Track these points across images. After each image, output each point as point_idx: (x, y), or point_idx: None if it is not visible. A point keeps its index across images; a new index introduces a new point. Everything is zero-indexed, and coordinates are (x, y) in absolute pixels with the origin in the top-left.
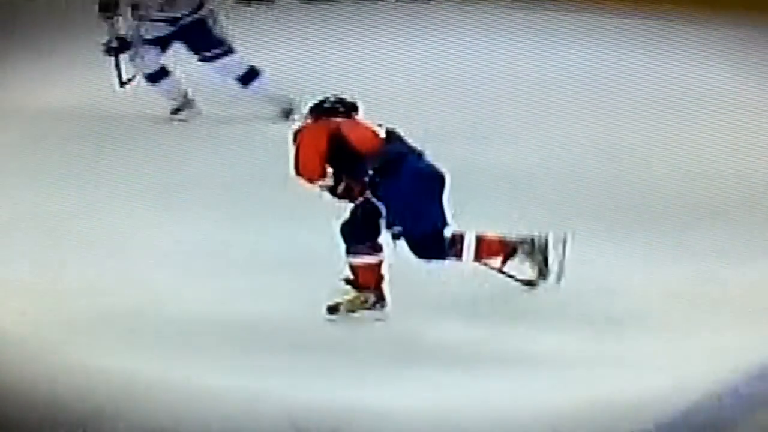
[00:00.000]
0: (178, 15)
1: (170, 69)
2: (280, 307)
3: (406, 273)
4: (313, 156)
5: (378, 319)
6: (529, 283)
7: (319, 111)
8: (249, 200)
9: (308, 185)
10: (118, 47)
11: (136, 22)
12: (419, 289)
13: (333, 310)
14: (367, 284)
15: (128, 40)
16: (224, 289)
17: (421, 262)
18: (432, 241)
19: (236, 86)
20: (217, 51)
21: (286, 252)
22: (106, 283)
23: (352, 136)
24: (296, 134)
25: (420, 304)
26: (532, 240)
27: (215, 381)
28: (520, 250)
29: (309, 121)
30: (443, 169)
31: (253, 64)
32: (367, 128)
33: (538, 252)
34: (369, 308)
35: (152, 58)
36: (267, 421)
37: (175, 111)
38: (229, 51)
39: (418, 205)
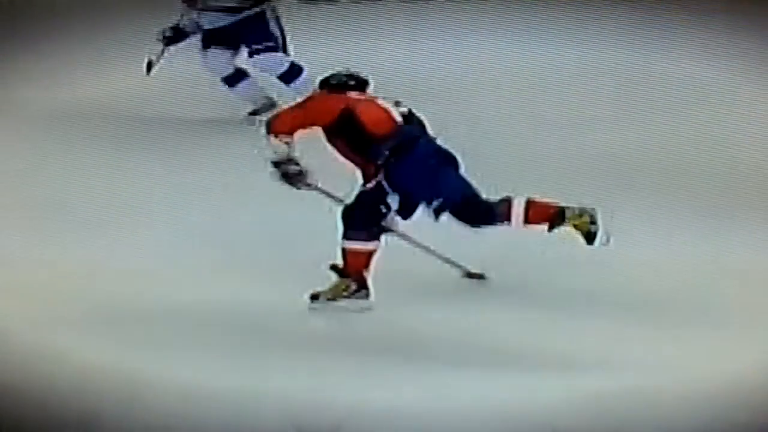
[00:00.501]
0: (239, 5)
1: (247, 70)
2: (266, 296)
3: (391, 264)
4: (304, 119)
5: (365, 309)
6: None
7: (330, 85)
8: (244, 188)
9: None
10: (172, 36)
11: (195, 12)
12: (404, 280)
13: (315, 297)
14: (353, 271)
15: (185, 30)
16: (215, 279)
17: (408, 252)
18: (475, 208)
19: (277, 83)
20: (266, 45)
21: (273, 237)
22: (102, 280)
23: (365, 118)
24: (305, 100)
25: (404, 295)
26: (582, 208)
27: (214, 379)
28: (569, 216)
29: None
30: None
31: (297, 61)
32: (383, 110)
33: (586, 219)
34: (350, 296)
35: (223, 62)
36: (264, 418)
37: (254, 113)
38: (276, 47)
39: (440, 178)
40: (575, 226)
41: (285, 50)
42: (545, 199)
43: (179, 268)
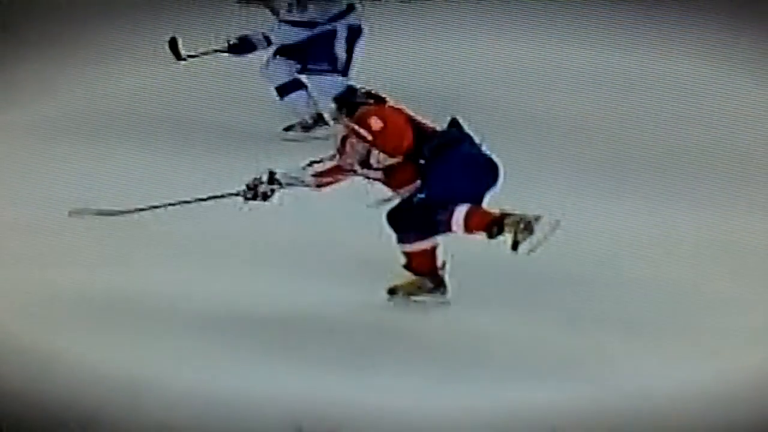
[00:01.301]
0: (315, 20)
1: (305, 82)
2: (338, 297)
3: (468, 260)
4: (404, 128)
5: (441, 303)
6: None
7: (347, 104)
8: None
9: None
10: (237, 45)
11: (273, 24)
12: (480, 278)
13: (392, 292)
14: (422, 269)
15: (252, 42)
16: (267, 284)
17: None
18: (421, 216)
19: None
20: (324, 67)
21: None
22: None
23: (419, 121)
24: (362, 118)
25: (481, 293)
26: (523, 215)
27: (219, 381)
28: (508, 222)
29: (340, 115)
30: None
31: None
32: (423, 118)
33: (522, 226)
34: (427, 293)
35: (284, 71)
36: (265, 418)
37: (307, 128)
38: (334, 69)
39: (459, 186)
40: (514, 233)
41: (345, 73)
42: (488, 208)
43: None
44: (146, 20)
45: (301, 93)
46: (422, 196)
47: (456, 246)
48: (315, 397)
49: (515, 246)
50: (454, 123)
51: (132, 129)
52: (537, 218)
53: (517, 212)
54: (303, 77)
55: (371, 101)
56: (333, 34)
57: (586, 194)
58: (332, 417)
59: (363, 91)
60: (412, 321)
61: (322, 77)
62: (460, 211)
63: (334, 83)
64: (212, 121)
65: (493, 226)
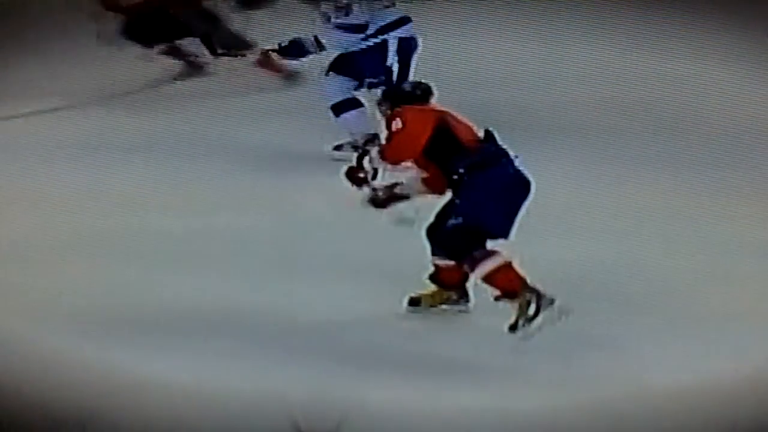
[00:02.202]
0: (365, 22)
1: (362, 101)
2: (360, 307)
3: None
4: (416, 138)
5: (461, 311)
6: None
7: (395, 97)
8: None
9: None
10: (288, 48)
11: (324, 28)
12: None
13: (414, 303)
14: (449, 283)
15: (305, 46)
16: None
17: None
18: (474, 241)
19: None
20: (381, 78)
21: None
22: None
23: (458, 128)
24: (392, 117)
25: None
26: (536, 299)
27: (222, 382)
28: (518, 301)
29: (384, 107)
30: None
31: None
32: (467, 124)
33: (532, 313)
34: (451, 305)
35: (341, 89)
36: (265, 418)
37: (357, 147)
38: (388, 81)
39: (494, 211)
40: (519, 313)
41: (400, 83)
42: (517, 269)
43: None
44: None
45: (357, 112)
46: (458, 222)
47: None
48: (315, 398)
49: (514, 327)
50: (488, 136)
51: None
52: (551, 302)
53: (537, 288)
54: (360, 95)
55: (418, 92)
56: (385, 45)
57: (592, 187)
58: (332, 417)
59: (412, 82)
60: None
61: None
62: (488, 265)
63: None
64: (260, 139)
65: (507, 297)
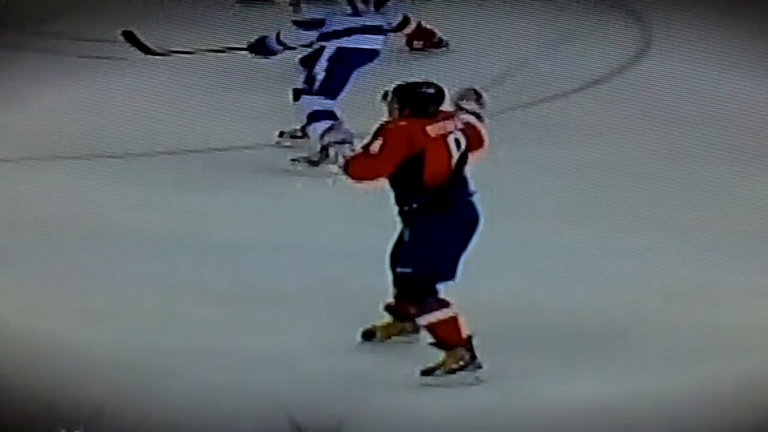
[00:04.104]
0: (322, 18)
1: (338, 114)
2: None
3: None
4: (385, 166)
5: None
6: None
7: (406, 94)
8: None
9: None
10: (254, 45)
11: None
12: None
13: (369, 335)
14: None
15: (268, 45)
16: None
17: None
18: (425, 289)
19: None
20: (301, 86)
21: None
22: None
23: (432, 163)
24: (381, 129)
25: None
26: (465, 364)
27: (219, 378)
28: (450, 358)
29: (392, 102)
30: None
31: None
32: (447, 156)
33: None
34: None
35: (339, 82)
36: (265, 417)
37: (314, 163)
38: (310, 92)
39: (444, 257)
40: (442, 366)
41: (322, 93)
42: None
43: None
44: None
45: (327, 123)
46: (406, 270)
47: None
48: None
49: (428, 373)
50: (457, 176)
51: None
52: (478, 366)
53: (474, 350)
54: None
55: (428, 95)
56: (320, 52)
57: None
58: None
59: (427, 83)
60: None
61: (305, 97)
62: (435, 316)
63: (308, 101)
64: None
65: (442, 347)
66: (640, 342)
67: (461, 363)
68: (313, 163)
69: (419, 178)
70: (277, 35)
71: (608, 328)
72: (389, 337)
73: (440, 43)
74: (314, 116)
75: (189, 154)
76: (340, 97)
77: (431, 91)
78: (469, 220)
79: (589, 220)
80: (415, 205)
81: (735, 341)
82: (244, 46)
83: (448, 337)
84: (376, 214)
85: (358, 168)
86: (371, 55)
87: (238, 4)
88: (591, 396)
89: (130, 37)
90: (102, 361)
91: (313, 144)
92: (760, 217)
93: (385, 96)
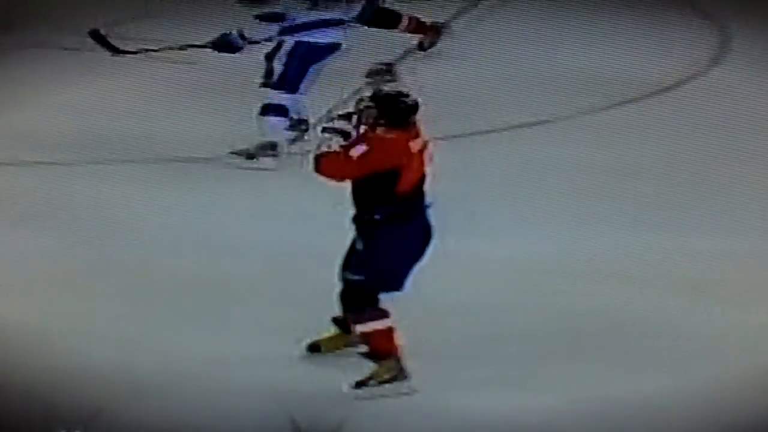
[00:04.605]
0: (280, 12)
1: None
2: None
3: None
4: (356, 170)
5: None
6: None
7: (383, 103)
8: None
9: None
10: (215, 43)
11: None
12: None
13: (314, 348)
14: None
15: (231, 41)
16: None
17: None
18: (369, 298)
19: None
20: (259, 79)
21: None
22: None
23: (405, 178)
24: (368, 137)
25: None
26: (394, 376)
27: (217, 379)
28: (381, 369)
29: (367, 109)
30: (435, 225)
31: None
32: (422, 167)
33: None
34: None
35: (297, 76)
36: (265, 417)
37: (251, 156)
38: (267, 84)
39: (398, 267)
40: (374, 377)
41: (280, 86)
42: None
43: None
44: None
45: (280, 120)
46: (359, 278)
47: None
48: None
49: (361, 385)
50: (419, 191)
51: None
52: (407, 377)
53: (403, 361)
54: (287, 104)
55: (403, 105)
56: (279, 47)
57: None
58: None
59: (401, 92)
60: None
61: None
62: (373, 325)
63: (267, 95)
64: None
65: (374, 358)
66: (575, 358)
67: (393, 374)
68: (250, 157)
69: (391, 189)
70: (240, 31)
71: (552, 342)
72: (336, 350)
73: (438, 30)
74: (267, 109)
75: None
76: (302, 92)
77: (411, 102)
78: (427, 232)
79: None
80: (378, 216)
81: (734, 341)
82: (205, 44)
83: (383, 347)
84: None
85: (332, 166)
86: (331, 49)
87: (238, 4)
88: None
89: (97, 37)
90: (102, 361)
91: (264, 136)
92: None
93: (359, 101)
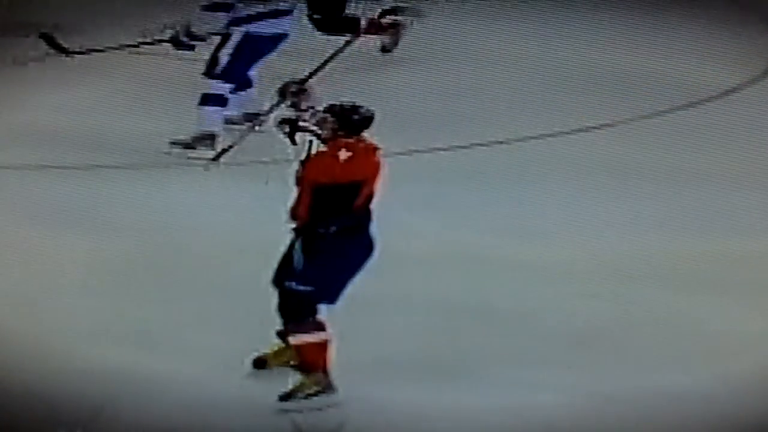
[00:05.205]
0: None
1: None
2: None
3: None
4: (348, 174)
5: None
6: None
7: (349, 122)
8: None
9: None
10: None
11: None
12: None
13: (260, 364)
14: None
15: (179, 38)
16: None
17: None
18: (310, 309)
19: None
20: (204, 70)
21: None
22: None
23: (365, 189)
24: (350, 143)
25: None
26: (319, 390)
27: (216, 380)
28: (309, 382)
29: (326, 122)
30: (377, 241)
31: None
32: (380, 178)
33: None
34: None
35: (243, 67)
36: (265, 418)
37: (189, 146)
38: (211, 75)
39: (338, 279)
40: (301, 388)
41: (224, 78)
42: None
43: None
44: None
45: (214, 109)
46: (301, 288)
47: None
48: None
49: (287, 398)
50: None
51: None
52: (334, 391)
53: (330, 375)
54: (228, 94)
55: (357, 117)
56: (227, 38)
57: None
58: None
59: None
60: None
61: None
62: (310, 337)
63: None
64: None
65: (302, 370)
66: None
67: (320, 387)
68: (189, 147)
69: (352, 201)
70: (188, 25)
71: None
72: (284, 364)
73: (397, 27)
74: (206, 99)
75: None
76: (253, 85)
77: (368, 114)
78: (370, 246)
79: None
80: (333, 228)
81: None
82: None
83: (314, 360)
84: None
85: (319, 167)
86: (277, 39)
87: None
88: None
89: (48, 39)
90: (102, 361)
91: (200, 126)
92: None
93: (314, 113)
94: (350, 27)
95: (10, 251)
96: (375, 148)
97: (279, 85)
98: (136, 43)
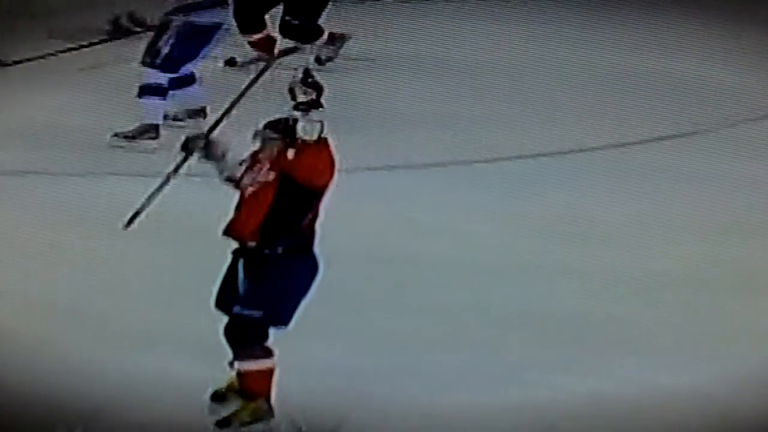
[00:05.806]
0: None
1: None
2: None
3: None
4: (328, 169)
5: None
6: None
7: (288, 131)
8: None
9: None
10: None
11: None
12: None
13: (218, 397)
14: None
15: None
16: None
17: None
18: (260, 335)
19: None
20: (146, 60)
21: None
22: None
23: (317, 205)
24: (323, 140)
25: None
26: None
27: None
28: (248, 410)
29: (277, 143)
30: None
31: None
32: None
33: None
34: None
35: (182, 57)
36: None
37: (131, 137)
38: (153, 65)
39: (286, 302)
40: (240, 414)
41: (166, 69)
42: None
43: None
44: None
45: (191, 90)
46: (256, 314)
47: None
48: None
49: (224, 424)
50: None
51: None
52: (271, 418)
53: (272, 403)
54: (167, 85)
55: (282, 125)
56: (165, 26)
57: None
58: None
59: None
60: None
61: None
62: (256, 365)
63: (147, 75)
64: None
65: (244, 397)
66: None
67: (258, 415)
68: (130, 138)
69: (300, 218)
70: (131, 13)
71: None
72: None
73: (337, 40)
74: (145, 90)
75: None
76: (197, 79)
77: (281, 125)
78: (315, 267)
79: None
80: (280, 249)
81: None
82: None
83: (257, 388)
84: None
85: (310, 166)
86: (213, 29)
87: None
88: None
89: None
90: (102, 361)
91: (144, 118)
92: None
93: (255, 135)
94: (315, 36)
95: (10, 251)
96: (330, 155)
97: (181, 142)
98: (76, 46)
